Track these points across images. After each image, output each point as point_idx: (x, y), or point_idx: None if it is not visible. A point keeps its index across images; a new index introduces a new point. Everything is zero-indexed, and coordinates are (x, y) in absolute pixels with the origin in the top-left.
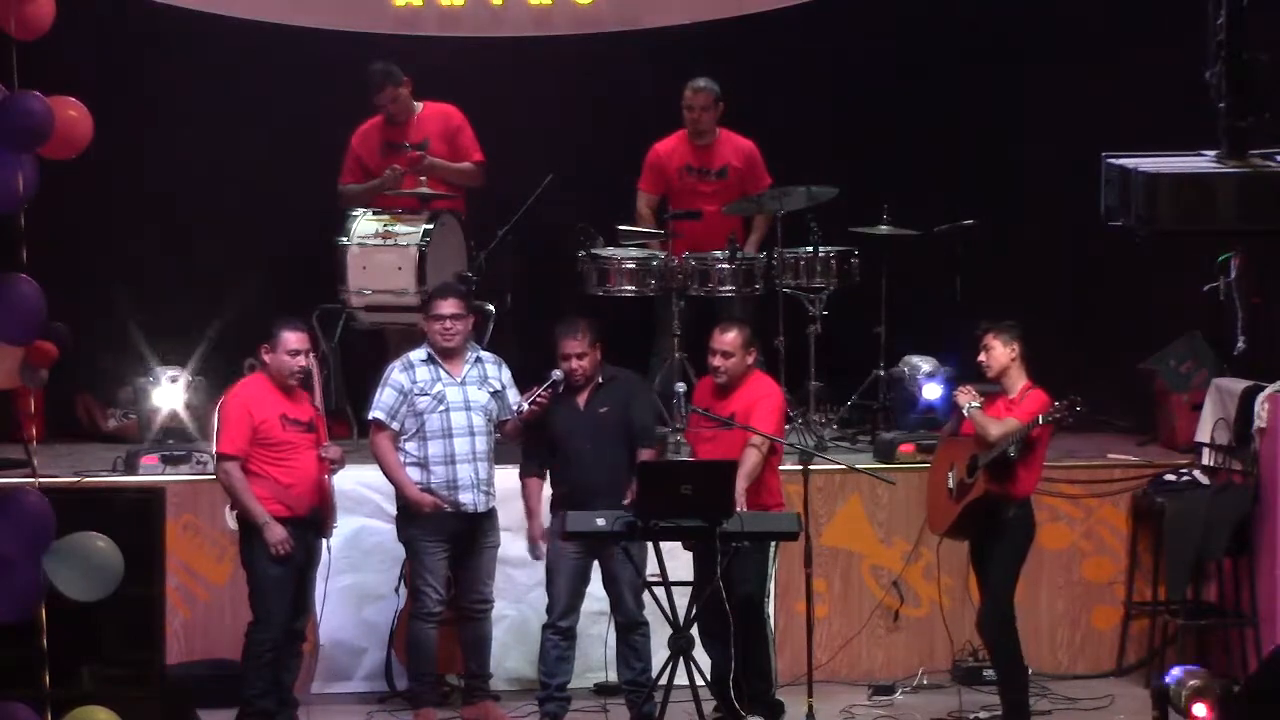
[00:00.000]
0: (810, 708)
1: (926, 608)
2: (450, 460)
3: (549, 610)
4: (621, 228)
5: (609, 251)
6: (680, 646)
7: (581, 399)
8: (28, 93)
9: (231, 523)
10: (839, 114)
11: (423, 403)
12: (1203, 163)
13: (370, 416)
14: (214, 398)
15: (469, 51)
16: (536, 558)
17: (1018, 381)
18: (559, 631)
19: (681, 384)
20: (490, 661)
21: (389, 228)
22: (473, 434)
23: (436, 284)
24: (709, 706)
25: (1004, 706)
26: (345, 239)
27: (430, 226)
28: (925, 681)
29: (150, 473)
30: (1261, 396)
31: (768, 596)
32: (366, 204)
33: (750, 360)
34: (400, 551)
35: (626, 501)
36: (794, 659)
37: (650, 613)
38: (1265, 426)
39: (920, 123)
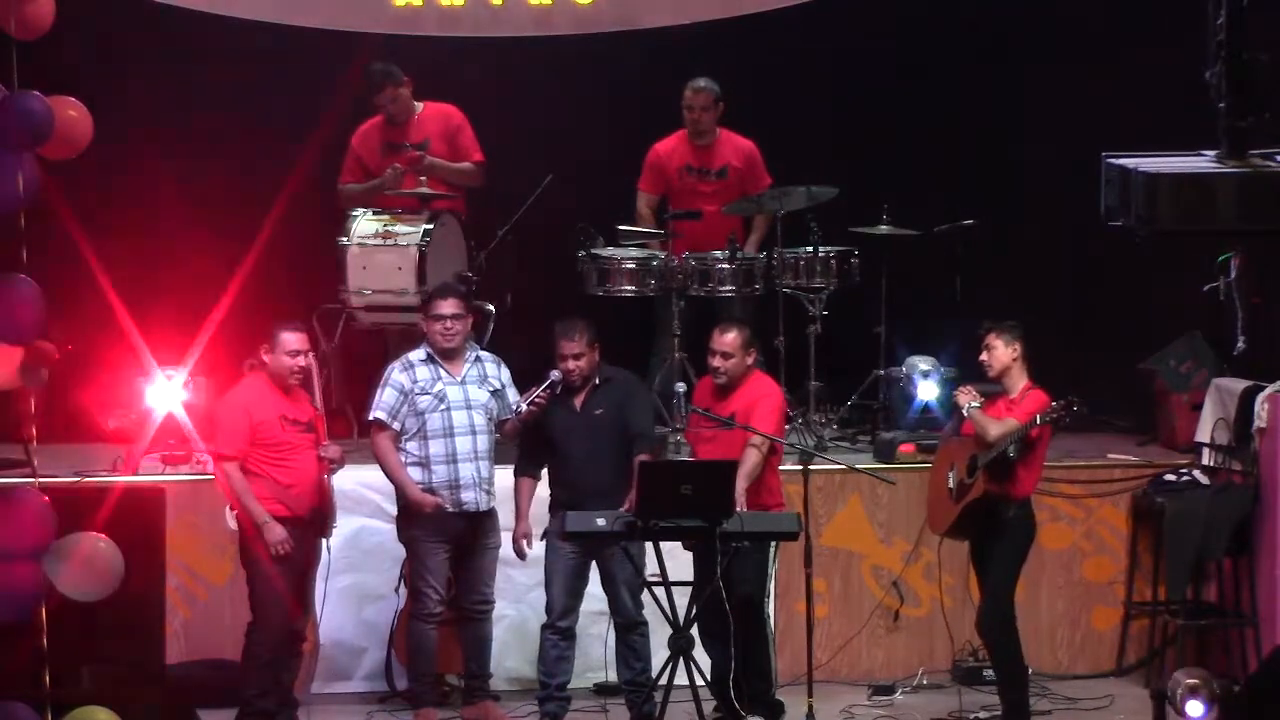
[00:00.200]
0: (810, 708)
1: (926, 608)
2: (452, 459)
3: (547, 610)
4: (621, 228)
5: (609, 251)
6: (680, 646)
7: (578, 400)
8: (28, 93)
9: (231, 523)
10: (839, 114)
11: (424, 402)
12: (1203, 163)
13: (371, 417)
14: (214, 398)
15: (469, 51)
16: (520, 557)
17: (1018, 381)
18: (558, 631)
19: (681, 384)
20: (490, 661)
21: (389, 228)
22: (474, 432)
23: (436, 284)
24: (709, 706)
25: (1004, 706)
26: (345, 239)
27: (430, 226)
28: (925, 681)
29: (150, 473)
30: (1261, 396)
31: (768, 596)
32: (366, 204)
33: (750, 361)
34: (400, 551)
35: (625, 507)
36: (794, 659)
37: (650, 613)
38: (1265, 426)
39: (920, 123)
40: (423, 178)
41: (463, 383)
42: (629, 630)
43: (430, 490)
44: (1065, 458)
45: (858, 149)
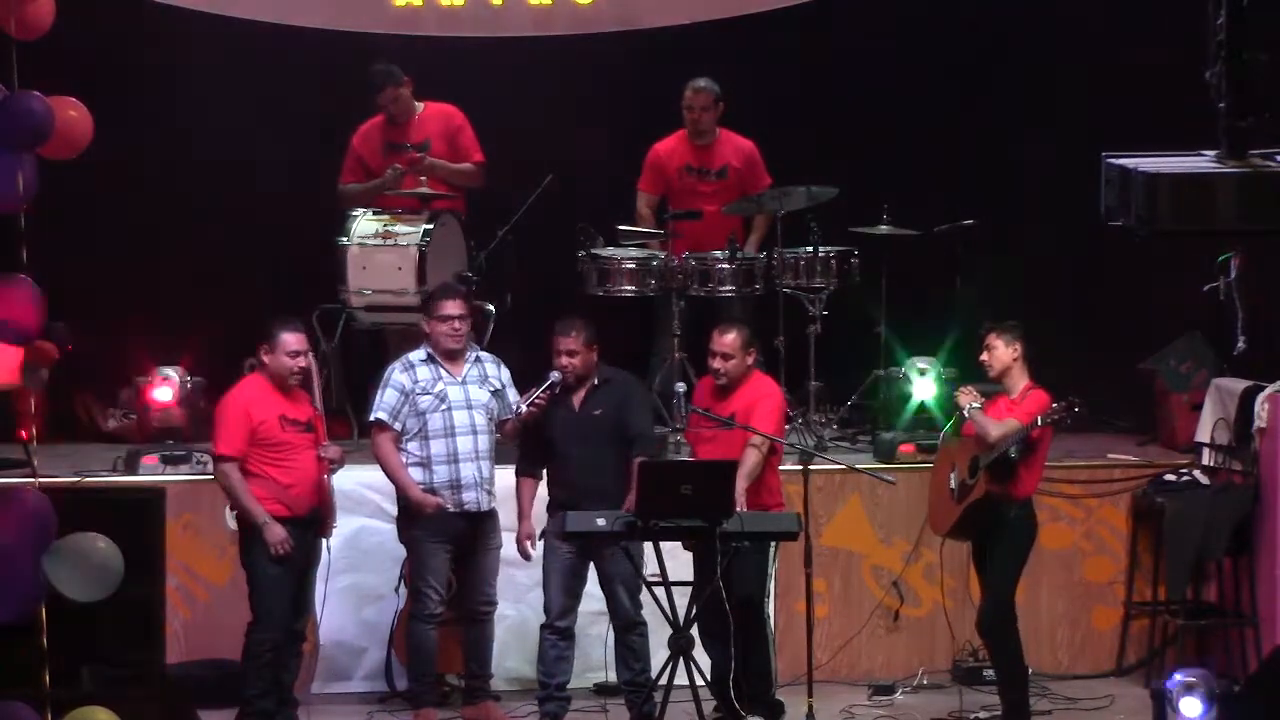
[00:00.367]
0: (810, 708)
1: (926, 608)
2: (453, 459)
3: (546, 611)
4: (621, 228)
5: (609, 251)
6: (680, 646)
7: (576, 400)
8: (28, 93)
9: (231, 523)
10: (839, 114)
11: (425, 402)
12: (1203, 163)
13: (372, 418)
14: (214, 398)
15: (469, 51)
16: (525, 557)
17: (1019, 381)
18: (556, 631)
19: (681, 384)
20: (491, 662)
21: (389, 228)
22: (475, 432)
23: (437, 284)
24: (709, 706)
25: (1004, 707)
26: (345, 239)
27: (430, 226)
28: (925, 681)
29: (150, 473)
30: (1261, 396)
31: (768, 596)
32: (366, 204)
33: (750, 361)
34: (400, 551)
35: (625, 508)
36: (794, 659)
37: (649, 613)
38: (1265, 426)
39: (920, 123)
40: (423, 178)
41: (463, 383)
42: (628, 631)
43: (431, 490)
44: (1065, 458)
45: (858, 149)
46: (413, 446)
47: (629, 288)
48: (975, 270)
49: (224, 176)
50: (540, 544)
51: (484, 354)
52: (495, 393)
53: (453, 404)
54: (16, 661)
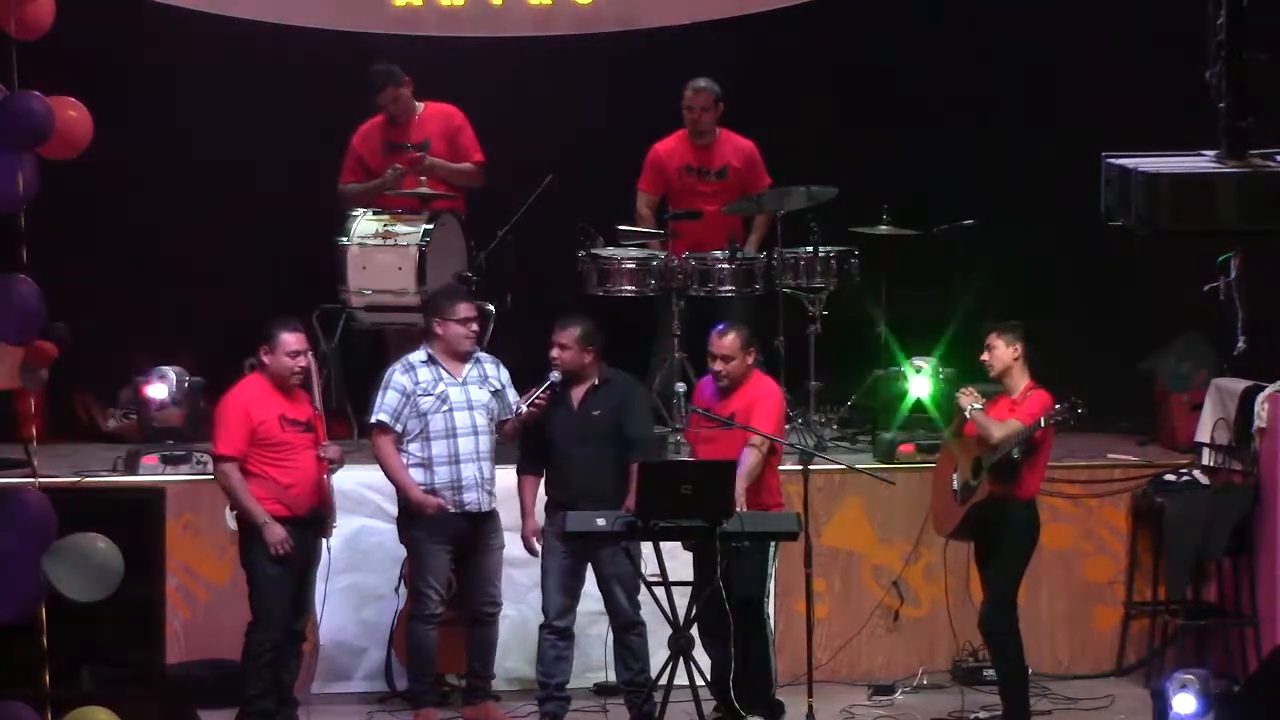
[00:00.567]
0: (810, 708)
1: (926, 608)
2: (455, 460)
3: (544, 611)
4: (621, 228)
5: (609, 251)
6: (680, 646)
7: (576, 400)
8: (28, 93)
9: (231, 523)
10: (839, 114)
11: (426, 403)
12: (1203, 163)
13: (374, 419)
14: (214, 398)
15: (469, 51)
16: (533, 554)
17: (1020, 382)
18: (555, 631)
19: (681, 384)
20: (493, 662)
21: (389, 228)
22: (476, 433)
23: (442, 286)
24: (709, 706)
25: (1004, 706)
26: (345, 239)
27: (430, 226)
28: (925, 681)
29: (150, 473)
30: (1261, 396)
31: (768, 596)
32: (366, 204)
33: (750, 361)
34: (400, 551)
35: (624, 509)
36: (794, 659)
37: (649, 613)
38: (1265, 426)
39: (920, 123)
40: (423, 178)
41: (464, 383)
42: (626, 631)
43: (432, 491)
44: (1065, 458)
45: (858, 149)
46: (414, 448)
47: (629, 288)
48: (975, 270)
49: (224, 176)
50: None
51: (483, 354)
52: (495, 393)
53: (454, 405)
54: (16, 661)
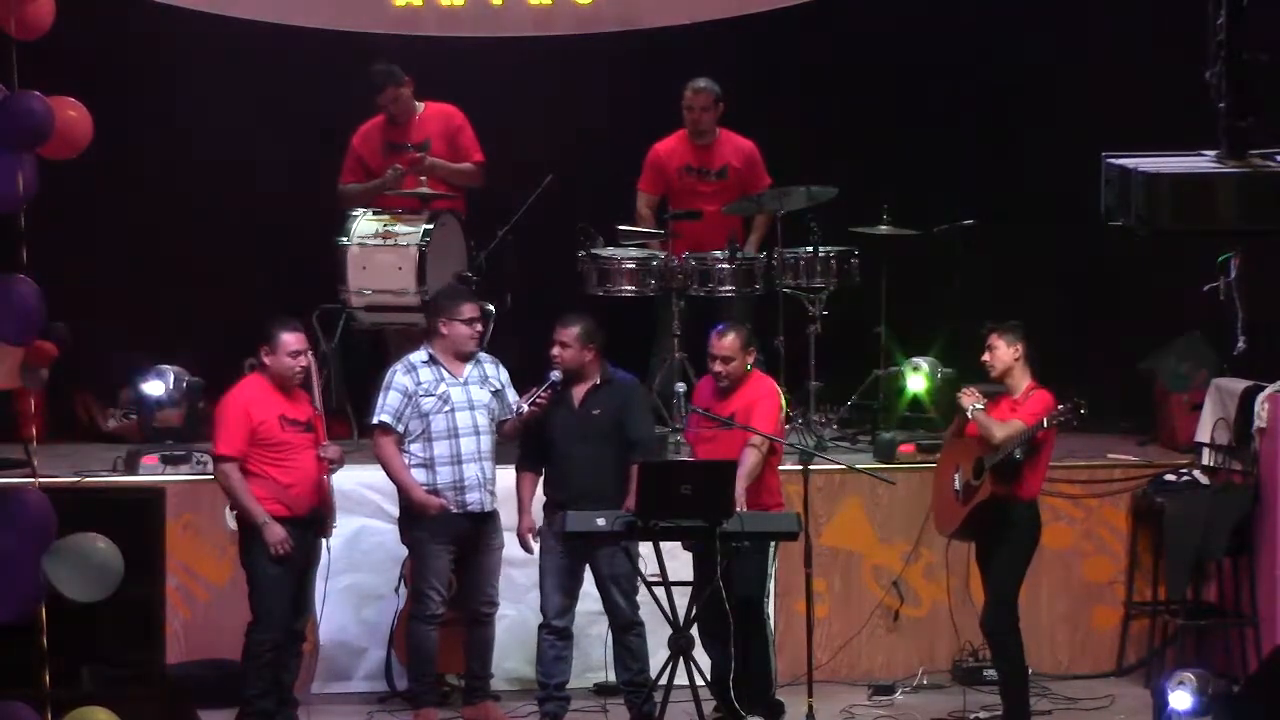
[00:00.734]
0: (810, 708)
1: (926, 608)
2: (456, 460)
3: (543, 611)
4: (621, 228)
5: (609, 251)
6: (680, 646)
7: (577, 399)
8: (28, 93)
9: (231, 523)
10: (839, 114)
11: (428, 404)
12: (1203, 163)
13: (376, 420)
14: (214, 398)
15: (469, 51)
16: (527, 551)
17: (1021, 382)
18: (554, 631)
19: (681, 384)
20: (492, 662)
21: (389, 228)
22: (478, 433)
23: (444, 287)
24: (709, 706)
25: (1004, 706)
26: (345, 239)
27: (430, 226)
28: (925, 681)
29: (150, 473)
30: (1261, 396)
31: (768, 596)
32: (366, 204)
33: (750, 360)
34: (400, 552)
35: (624, 509)
36: (794, 659)
37: (649, 613)
38: (1265, 426)
39: (920, 123)
40: (423, 178)
41: (466, 384)
42: (625, 631)
43: (435, 492)
44: (1065, 458)
45: (858, 149)
46: (416, 448)
47: (629, 288)
48: (975, 270)
49: (224, 176)
50: (537, 543)
51: (483, 354)
52: (495, 393)
53: (456, 405)
54: (16, 661)
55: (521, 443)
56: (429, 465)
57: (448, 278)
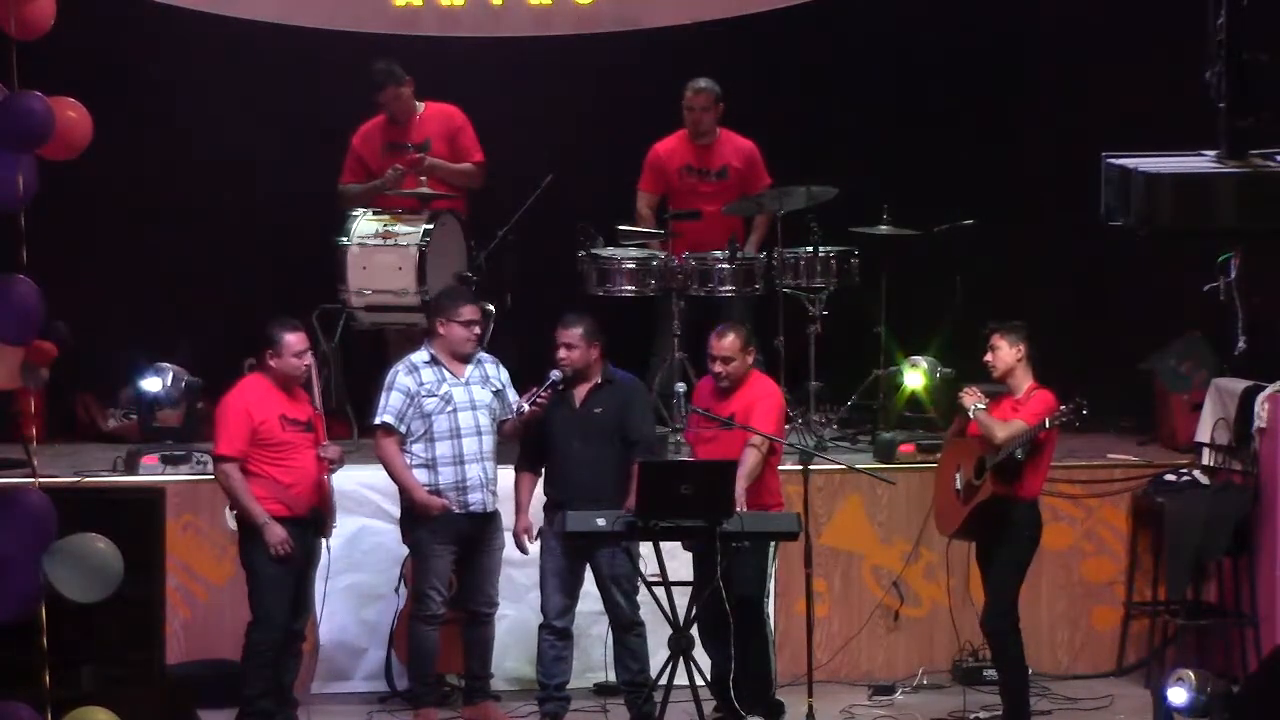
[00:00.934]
0: (810, 708)
1: (926, 608)
2: (459, 460)
3: (543, 611)
4: (621, 228)
5: (609, 251)
6: (680, 646)
7: (578, 398)
8: (28, 93)
9: (231, 523)
10: (839, 114)
11: (430, 404)
12: (1203, 163)
13: (378, 421)
14: (214, 398)
15: (469, 51)
16: (523, 551)
17: (1023, 382)
18: (554, 632)
19: (681, 384)
20: (491, 662)
21: (389, 228)
22: (480, 434)
23: (445, 287)
24: (709, 706)
25: (1004, 706)
26: (345, 239)
27: (430, 226)
28: (925, 681)
29: (150, 473)
30: (1261, 396)
31: (767, 596)
32: (366, 204)
33: (750, 360)
34: (400, 551)
35: (624, 509)
36: (794, 659)
37: (649, 613)
38: (1265, 426)
39: (920, 123)
40: (423, 178)
41: (467, 384)
42: (626, 631)
43: (436, 492)
44: (1065, 458)
45: (858, 149)
46: (418, 448)
47: (629, 288)
48: (975, 270)
49: (224, 176)
50: (537, 543)
51: (484, 354)
52: (496, 393)
53: (458, 406)
54: (16, 661)
55: (521, 443)
56: (431, 466)
57: (448, 278)
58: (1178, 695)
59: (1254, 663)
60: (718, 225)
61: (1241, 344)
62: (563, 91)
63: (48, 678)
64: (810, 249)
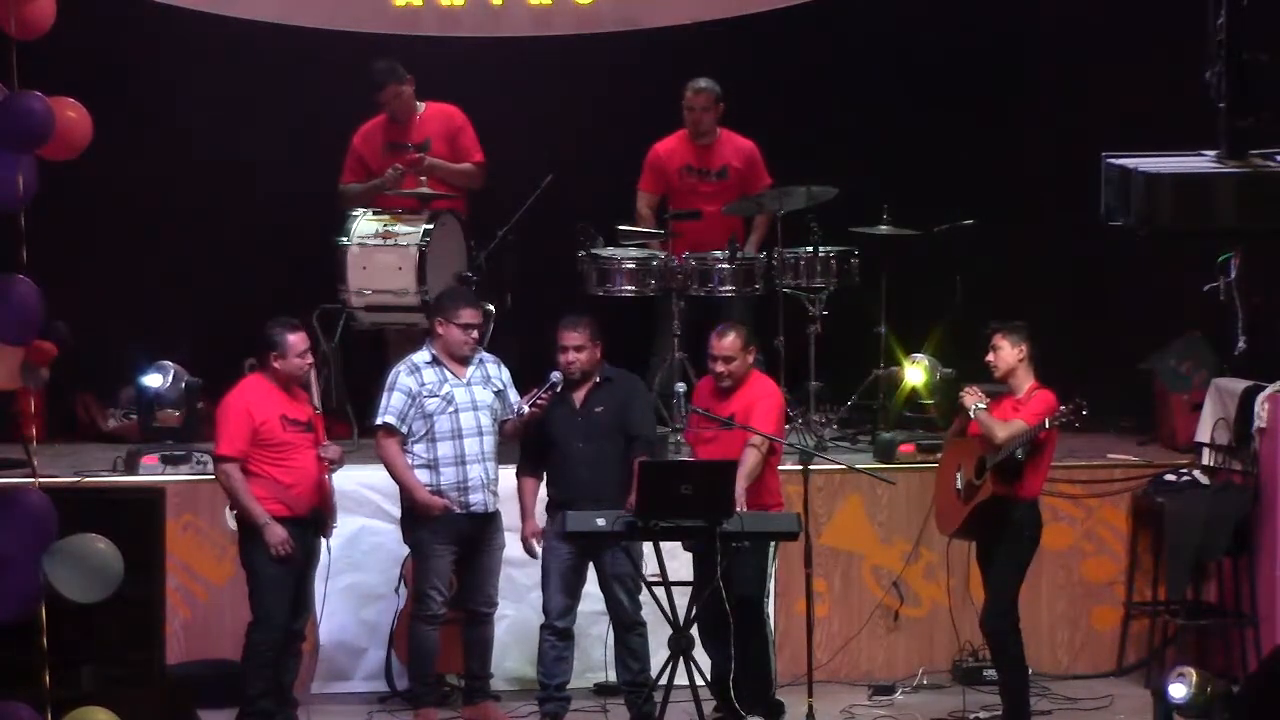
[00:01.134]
0: (810, 708)
1: (926, 608)
2: (460, 461)
3: (545, 611)
4: (621, 228)
5: (609, 251)
6: (680, 646)
7: (578, 398)
8: (28, 93)
9: (231, 523)
10: (839, 114)
11: (432, 404)
12: (1203, 163)
13: (380, 421)
14: (213, 398)
15: (469, 51)
16: (532, 555)
17: (1025, 382)
18: (555, 632)
19: (681, 384)
20: (491, 662)
21: (389, 228)
22: (481, 434)
23: (439, 285)
24: (709, 706)
25: (1004, 706)
26: (345, 239)
27: (430, 226)
28: (925, 681)
29: (150, 473)
30: (1261, 396)
31: (767, 596)
32: (366, 204)
33: (751, 359)
34: (400, 551)
35: (625, 508)
36: (794, 659)
37: (649, 613)
38: (1265, 426)
39: (920, 123)
40: (423, 178)
41: (469, 384)
42: (627, 631)
43: (438, 492)
44: (1065, 458)
45: (858, 149)
46: (419, 449)
47: (629, 288)
48: (975, 270)
49: (224, 176)
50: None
51: (485, 354)
52: (498, 393)
53: (459, 406)
54: (16, 661)
55: (522, 446)
56: (433, 466)
57: (448, 278)
58: (1179, 690)
59: (1254, 663)
60: (718, 225)
61: (1241, 344)
62: (563, 91)
63: (48, 678)
64: (810, 249)
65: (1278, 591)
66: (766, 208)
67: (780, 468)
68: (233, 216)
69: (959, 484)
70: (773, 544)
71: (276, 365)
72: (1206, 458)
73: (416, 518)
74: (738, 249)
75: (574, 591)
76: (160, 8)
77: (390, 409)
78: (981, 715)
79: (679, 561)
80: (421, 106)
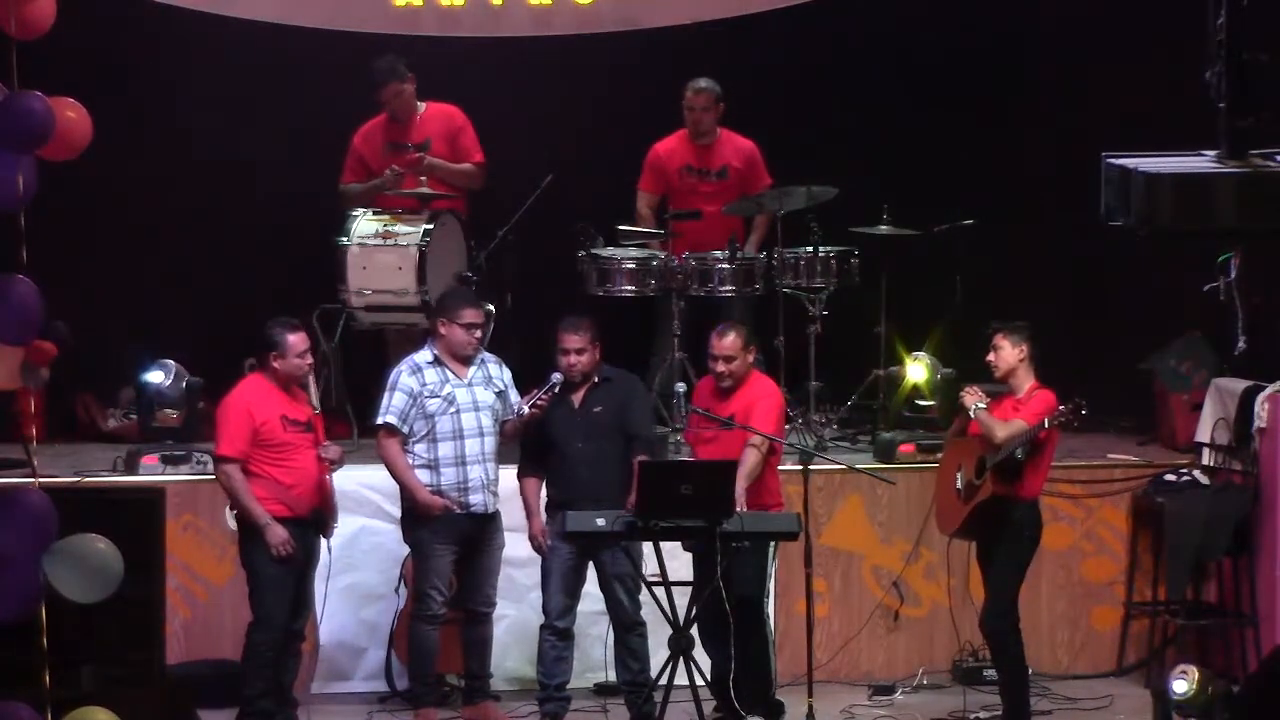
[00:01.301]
0: (810, 708)
1: (926, 608)
2: (461, 461)
3: (545, 611)
4: (621, 228)
5: (609, 251)
6: (680, 646)
7: (577, 398)
8: (28, 93)
9: (231, 523)
10: (839, 114)
11: (433, 405)
12: (1203, 163)
13: (381, 421)
14: (214, 398)
15: (469, 51)
16: (541, 554)
17: (1025, 382)
18: (555, 632)
19: (681, 384)
20: (491, 662)
21: (389, 228)
22: (482, 434)
23: (439, 285)
24: (709, 706)
25: (1005, 706)
26: (345, 239)
27: (430, 226)
28: (925, 681)
29: (150, 473)
30: (1261, 396)
31: (767, 596)
32: (366, 204)
33: (751, 359)
34: (400, 551)
35: (625, 508)
36: (794, 659)
37: (649, 613)
38: (1265, 426)
39: (920, 123)
40: (423, 178)
41: (470, 385)
42: (627, 631)
43: (438, 492)
44: (1065, 458)
45: (858, 149)
46: (420, 449)
47: (629, 288)
48: (975, 270)
49: (224, 176)
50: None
51: (487, 354)
52: (499, 394)
53: (461, 407)
54: (16, 661)
55: (522, 447)
56: (434, 466)
57: (448, 278)
58: (1180, 686)
59: (1254, 663)
60: (718, 225)
61: (1241, 344)
62: (563, 91)
63: (48, 678)
64: (810, 249)
65: (1278, 591)
66: (766, 208)
67: (780, 468)
68: (233, 216)
69: (959, 484)
70: (773, 544)
71: (276, 365)
72: (1206, 458)
73: (417, 518)
74: (738, 249)
75: (574, 591)
76: (160, 8)
77: (391, 409)
78: (981, 715)
79: (679, 561)
80: (422, 106)
